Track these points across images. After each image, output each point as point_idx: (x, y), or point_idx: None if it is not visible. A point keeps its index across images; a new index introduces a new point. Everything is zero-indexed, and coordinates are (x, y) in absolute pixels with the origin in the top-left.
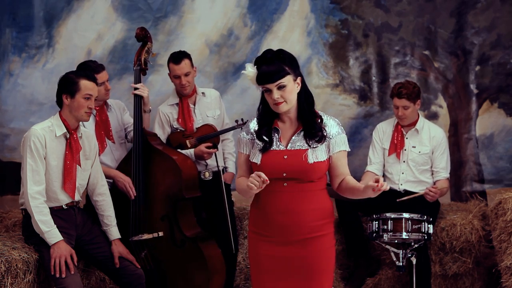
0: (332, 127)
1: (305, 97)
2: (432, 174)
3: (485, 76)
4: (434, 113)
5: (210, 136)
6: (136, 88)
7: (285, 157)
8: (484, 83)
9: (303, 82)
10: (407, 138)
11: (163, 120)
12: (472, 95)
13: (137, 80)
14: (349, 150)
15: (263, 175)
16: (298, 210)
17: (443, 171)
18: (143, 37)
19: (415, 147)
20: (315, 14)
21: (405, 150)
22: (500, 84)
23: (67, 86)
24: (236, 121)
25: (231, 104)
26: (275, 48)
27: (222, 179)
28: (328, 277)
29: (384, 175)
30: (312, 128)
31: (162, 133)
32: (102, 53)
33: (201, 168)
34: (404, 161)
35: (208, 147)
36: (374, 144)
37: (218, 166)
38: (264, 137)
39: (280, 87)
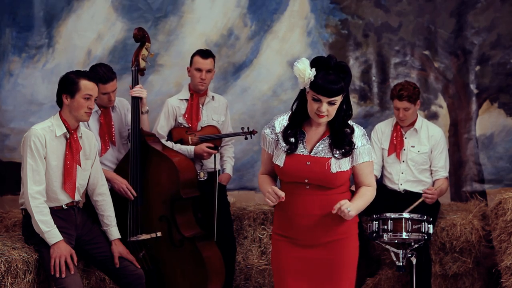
0: (358, 138)
1: (344, 110)
2: (431, 173)
3: (485, 76)
4: (434, 113)
5: (214, 137)
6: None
7: (308, 163)
8: (484, 83)
9: (346, 95)
10: (406, 138)
11: (170, 112)
12: (472, 95)
13: (135, 81)
14: (374, 159)
15: (279, 192)
16: (321, 213)
17: (442, 170)
18: (141, 37)
19: (414, 146)
20: (315, 14)
21: (404, 150)
22: (500, 84)
23: (67, 86)
24: (242, 128)
25: (231, 104)
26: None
27: (217, 181)
28: (351, 278)
29: (383, 175)
30: (340, 139)
31: (165, 125)
32: (102, 53)
33: (197, 168)
34: (403, 161)
35: (209, 148)
36: (372, 144)
37: (215, 168)
38: (290, 139)
39: (331, 103)
